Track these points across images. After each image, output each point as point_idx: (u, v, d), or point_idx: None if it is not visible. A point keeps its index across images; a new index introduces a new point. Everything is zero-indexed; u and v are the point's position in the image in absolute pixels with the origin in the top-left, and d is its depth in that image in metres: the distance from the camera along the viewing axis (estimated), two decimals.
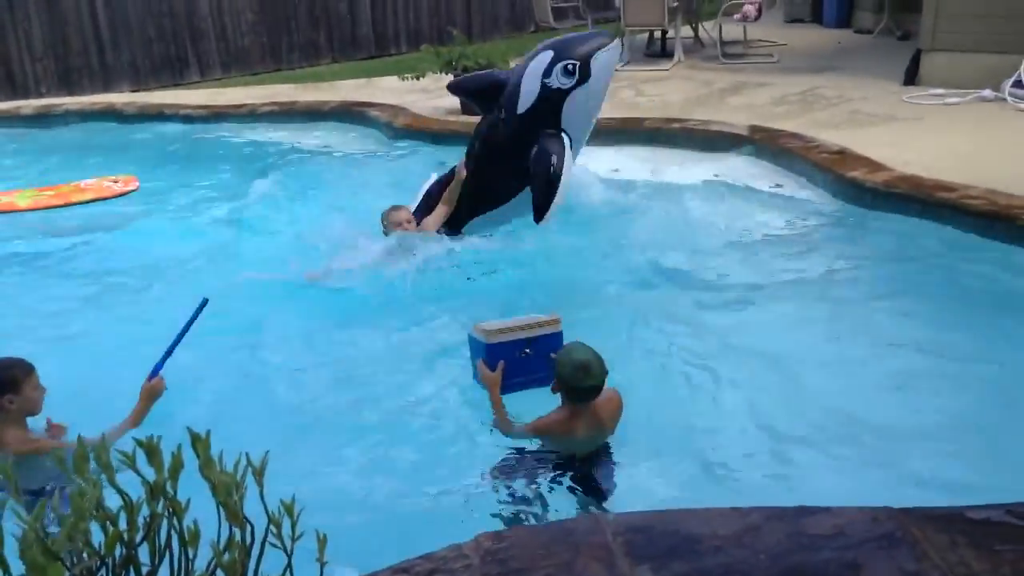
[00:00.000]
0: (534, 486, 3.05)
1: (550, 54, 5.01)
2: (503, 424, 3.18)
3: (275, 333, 4.21)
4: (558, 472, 3.10)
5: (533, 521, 2.90)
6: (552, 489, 3.04)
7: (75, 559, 1.24)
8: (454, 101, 8.29)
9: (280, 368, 3.88)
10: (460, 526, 2.71)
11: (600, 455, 3.17)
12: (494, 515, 2.93)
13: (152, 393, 3.17)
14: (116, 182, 6.88)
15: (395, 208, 5.08)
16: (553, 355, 3.13)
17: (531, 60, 5.10)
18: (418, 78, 8.21)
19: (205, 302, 3.28)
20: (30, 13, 10.06)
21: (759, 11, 10.27)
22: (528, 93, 4.97)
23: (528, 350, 3.30)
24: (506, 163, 5.03)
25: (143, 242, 5.59)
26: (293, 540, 1.37)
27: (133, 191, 6.75)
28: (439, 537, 2.48)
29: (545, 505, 2.98)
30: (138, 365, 3.25)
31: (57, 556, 1.19)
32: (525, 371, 3.29)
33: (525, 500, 3.00)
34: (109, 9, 10.52)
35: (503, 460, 3.19)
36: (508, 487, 3.05)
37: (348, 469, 3.15)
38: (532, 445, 3.22)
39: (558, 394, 3.12)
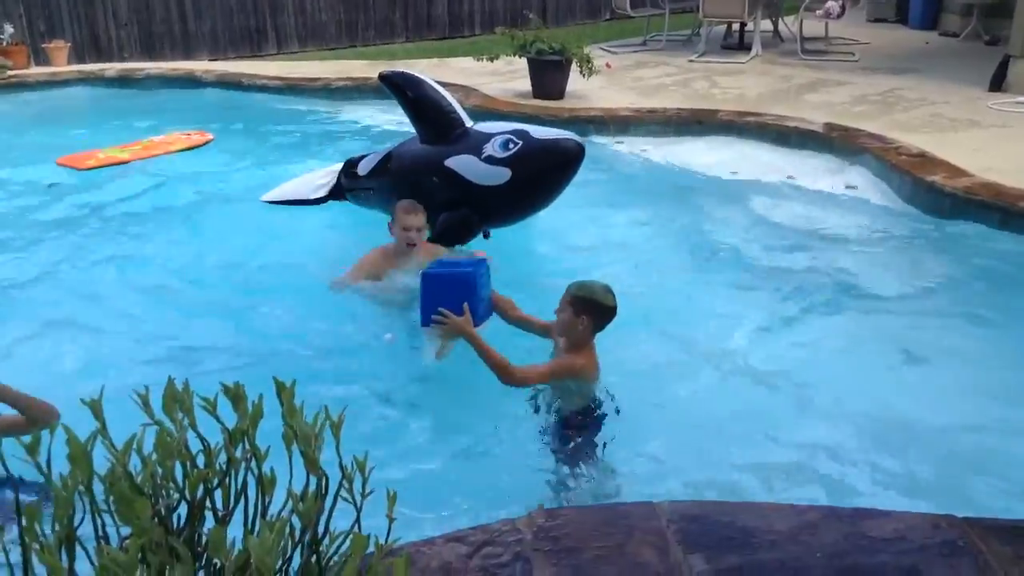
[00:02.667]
0: (588, 454, 3.06)
1: None
2: (506, 370, 3.10)
3: (334, 302, 4.28)
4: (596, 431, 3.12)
5: (589, 499, 2.91)
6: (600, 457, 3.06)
7: (159, 495, 1.29)
8: (525, 84, 8.30)
9: (348, 338, 3.95)
10: (518, 498, 2.74)
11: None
12: (552, 487, 2.95)
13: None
14: (190, 135, 7.25)
15: (411, 210, 4.17)
16: (574, 288, 3.17)
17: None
18: (491, 60, 8.23)
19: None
20: None
21: (843, 8, 10.04)
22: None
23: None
24: None
25: (214, 190, 6.00)
26: (364, 496, 1.40)
27: (210, 141, 7.16)
28: (497, 508, 2.52)
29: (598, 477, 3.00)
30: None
31: (142, 491, 1.24)
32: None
33: (580, 474, 3.01)
34: None
35: (557, 429, 3.18)
36: (565, 458, 3.07)
37: (408, 438, 3.20)
38: (553, 403, 3.21)
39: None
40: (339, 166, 5.30)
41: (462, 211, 4.48)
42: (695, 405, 3.47)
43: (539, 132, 4.48)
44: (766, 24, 10.84)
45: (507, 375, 3.10)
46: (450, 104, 4.69)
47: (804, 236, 5.19)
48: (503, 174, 4.30)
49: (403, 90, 4.75)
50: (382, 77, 4.89)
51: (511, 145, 4.32)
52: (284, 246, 5.04)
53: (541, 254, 5.06)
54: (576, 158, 4.32)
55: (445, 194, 4.47)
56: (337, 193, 5.26)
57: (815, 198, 5.80)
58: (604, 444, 3.12)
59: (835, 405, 3.46)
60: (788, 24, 10.92)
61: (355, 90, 8.54)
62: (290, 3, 11.43)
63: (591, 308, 3.15)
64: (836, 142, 6.51)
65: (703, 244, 5.11)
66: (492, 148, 4.35)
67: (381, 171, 4.91)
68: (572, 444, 3.10)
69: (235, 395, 1.33)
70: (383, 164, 4.92)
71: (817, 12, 10.14)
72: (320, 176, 5.43)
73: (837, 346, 3.95)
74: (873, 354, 3.87)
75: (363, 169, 5.05)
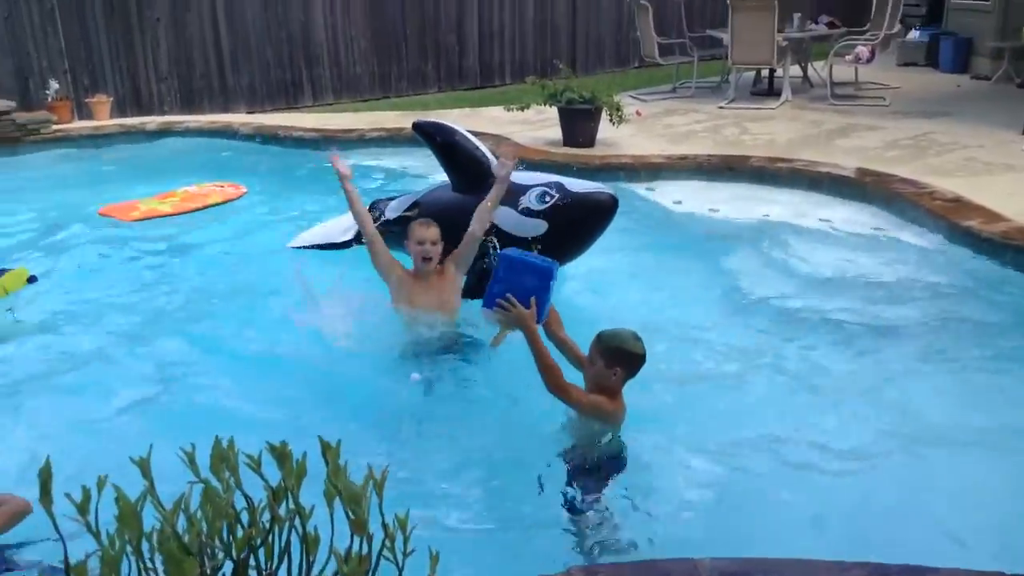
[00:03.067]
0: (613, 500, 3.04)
1: None
2: (557, 375, 3.08)
3: (370, 353, 4.31)
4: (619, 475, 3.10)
5: (621, 552, 2.87)
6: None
7: (206, 555, 1.30)
8: (555, 132, 8.39)
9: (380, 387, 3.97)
10: (552, 552, 2.72)
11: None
12: (586, 542, 2.92)
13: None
14: (224, 187, 7.39)
15: (425, 223, 4.26)
16: (605, 339, 3.18)
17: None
18: (522, 109, 8.33)
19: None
20: (159, 35, 10.63)
21: (872, 53, 10.09)
22: None
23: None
24: None
25: (249, 242, 6.13)
26: (405, 555, 1.40)
27: (244, 194, 7.30)
28: (532, 563, 2.50)
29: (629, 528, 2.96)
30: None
31: (190, 551, 1.25)
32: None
33: (611, 524, 2.98)
34: (232, 34, 11.04)
35: (581, 478, 3.14)
36: (594, 508, 3.04)
37: (443, 494, 3.18)
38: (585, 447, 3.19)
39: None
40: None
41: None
42: (729, 454, 3.43)
43: (574, 184, 4.60)
44: (795, 70, 10.89)
45: (555, 379, 3.07)
46: (484, 154, 4.77)
47: (837, 282, 5.15)
48: (540, 226, 4.44)
49: (437, 139, 4.86)
50: (416, 127, 5.01)
51: (547, 198, 4.45)
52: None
53: (571, 299, 5.06)
54: (610, 210, 4.46)
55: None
56: (361, 236, 5.33)
57: (848, 243, 5.77)
58: (632, 493, 3.10)
59: (877, 454, 3.41)
60: (818, 69, 10.96)
61: (389, 140, 8.68)
62: (325, 56, 11.68)
63: (623, 359, 3.15)
64: (869, 187, 6.49)
65: (735, 289, 5.10)
66: (528, 200, 4.49)
67: (409, 217, 4.91)
68: (595, 492, 3.07)
69: (281, 454, 1.34)
70: (412, 209, 4.99)
71: (847, 57, 10.19)
72: (345, 220, 5.50)
73: (874, 393, 3.89)
74: (912, 403, 3.81)
75: (391, 213, 5.12)
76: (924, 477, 3.27)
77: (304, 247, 5.55)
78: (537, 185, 4.56)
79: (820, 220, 6.20)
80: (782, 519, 3.04)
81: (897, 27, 10.56)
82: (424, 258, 4.15)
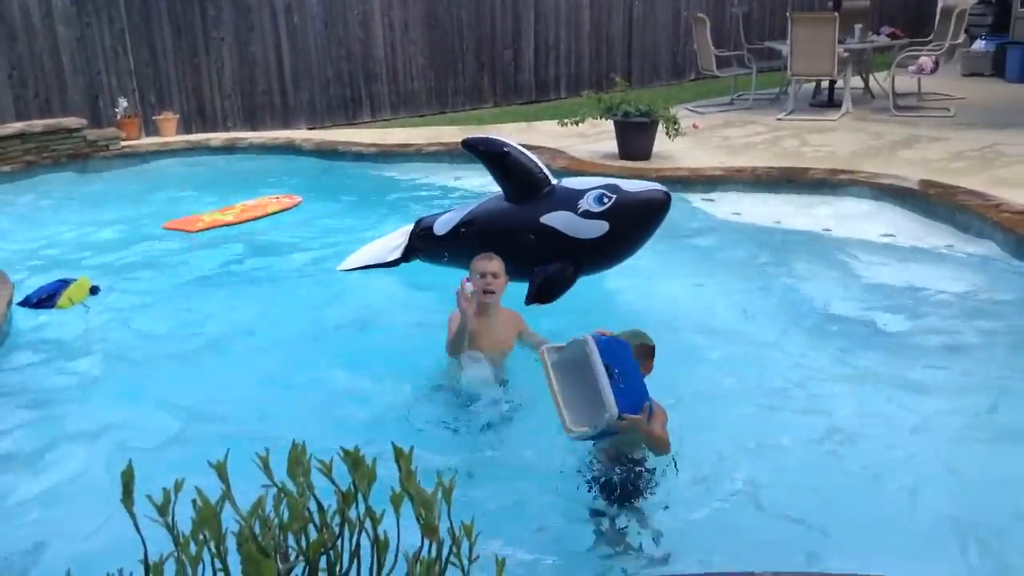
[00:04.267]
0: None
1: None
2: (666, 442, 3.09)
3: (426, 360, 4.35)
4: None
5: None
6: None
7: (282, 556, 1.34)
8: (611, 146, 8.39)
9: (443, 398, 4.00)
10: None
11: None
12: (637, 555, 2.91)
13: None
14: (279, 199, 7.58)
15: (487, 256, 4.13)
16: (646, 339, 3.26)
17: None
18: (577, 123, 8.35)
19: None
20: (223, 55, 10.92)
21: (936, 64, 9.89)
22: None
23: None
24: None
25: (304, 250, 6.29)
26: (471, 561, 1.43)
27: (299, 204, 7.48)
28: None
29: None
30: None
31: (268, 552, 1.29)
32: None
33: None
34: (293, 53, 11.28)
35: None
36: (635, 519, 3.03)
37: (503, 507, 3.19)
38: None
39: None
40: (409, 227, 5.47)
41: (561, 265, 4.65)
42: (784, 470, 3.39)
43: (627, 184, 4.75)
44: (856, 81, 10.73)
45: (666, 446, 3.10)
46: (536, 164, 4.88)
47: (901, 296, 5.05)
48: (601, 227, 4.55)
49: (487, 153, 4.97)
50: (465, 144, 5.11)
51: (605, 199, 4.57)
52: (376, 306, 5.18)
53: (628, 310, 5.06)
54: (665, 207, 4.61)
55: (540, 251, 4.65)
56: (408, 254, 5.43)
57: (912, 256, 5.66)
58: (686, 505, 3.08)
59: (933, 479, 3.31)
60: (879, 80, 10.79)
61: (446, 154, 8.77)
62: (383, 73, 11.87)
63: (650, 351, 3.30)
64: (933, 199, 6.36)
65: (794, 302, 5.03)
66: (587, 203, 4.60)
67: (464, 231, 5.06)
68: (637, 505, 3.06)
69: (354, 459, 1.37)
70: (466, 224, 5.07)
71: (910, 68, 10.01)
72: (393, 239, 5.59)
73: (933, 413, 3.77)
74: (974, 424, 3.69)
75: (440, 229, 5.20)
76: (976, 505, 3.13)
77: (354, 268, 5.63)
78: (593, 188, 4.66)
79: (882, 233, 6.09)
80: (845, 532, 2.98)
81: (962, 37, 10.34)
82: (486, 291, 4.02)
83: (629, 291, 5.24)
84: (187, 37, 10.67)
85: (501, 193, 5.08)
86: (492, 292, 4.05)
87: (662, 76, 13.77)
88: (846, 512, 3.10)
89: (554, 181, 4.89)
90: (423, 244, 5.35)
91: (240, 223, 7.04)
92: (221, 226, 6.96)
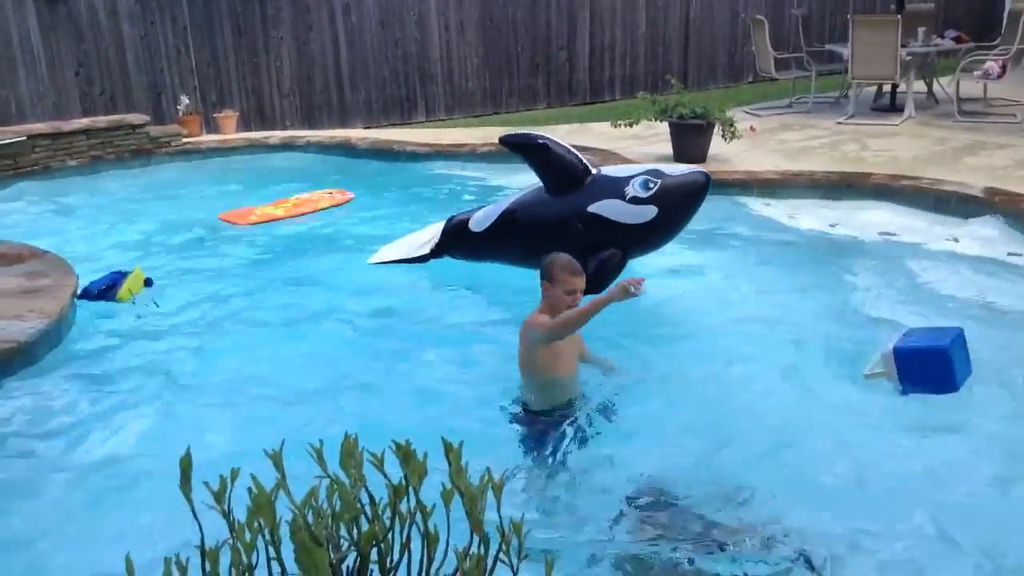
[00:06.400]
0: None
1: None
2: None
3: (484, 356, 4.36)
4: None
5: None
6: None
7: (333, 547, 1.35)
8: (665, 147, 8.32)
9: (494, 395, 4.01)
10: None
11: None
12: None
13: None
14: (332, 194, 7.69)
15: (578, 271, 3.73)
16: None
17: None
18: (631, 125, 8.30)
19: None
20: (282, 55, 11.10)
21: (1003, 68, 9.61)
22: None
23: None
24: None
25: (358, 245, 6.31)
26: (520, 558, 1.42)
27: (351, 200, 7.59)
28: None
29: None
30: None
31: (320, 542, 1.30)
32: None
33: None
34: (351, 53, 11.42)
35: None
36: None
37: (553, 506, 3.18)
38: None
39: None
40: (439, 225, 5.56)
41: (612, 251, 4.74)
42: (843, 472, 3.32)
43: (668, 169, 4.93)
44: (919, 85, 10.49)
45: None
46: (576, 155, 5.00)
47: (965, 305, 4.90)
48: (650, 211, 4.70)
49: (527, 147, 5.10)
50: (503, 141, 5.28)
51: (651, 184, 4.72)
52: (426, 299, 5.22)
53: (684, 314, 5.01)
54: (706, 188, 4.80)
55: (587, 238, 4.72)
56: (439, 250, 5.51)
57: (976, 265, 5.50)
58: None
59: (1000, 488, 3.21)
60: (943, 85, 10.53)
61: (499, 155, 8.77)
62: (438, 74, 11.95)
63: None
64: (999, 207, 6.18)
65: (852, 309, 4.92)
66: (634, 189, 4.74)
67: (505, 226, 5.15)
68: None
69: (406, 453, 1.38)
70: (506, 219, 5.14)
71: (975, 72, 9.73)
72: (422, 235, 5.68)
73: (995, 433, 3.65)
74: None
75: (478, 225, 5.27)
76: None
77: (384, 262, 5.71)
78: (637, 175, 4.79)
79: (945, 240, 5.94)
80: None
81: None
82: (571, 308, 3.65)
83: (685, 296, 5.19)
84: (247, 36, 10.87)
85: (537, 187, 5.17)
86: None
87: (719, 78, 13.62)
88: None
89: (594, 171, 5.01)
90: (457, 241, 5.44)
91: (291, 217, 7.15)
92: (273, 220, 7.08)
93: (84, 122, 9.13)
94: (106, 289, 5.36)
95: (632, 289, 3.40)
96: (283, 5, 10.99)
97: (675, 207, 4.75)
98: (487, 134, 9.84)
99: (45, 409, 3.97)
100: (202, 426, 3.70)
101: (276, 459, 1.42)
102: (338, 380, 4.19)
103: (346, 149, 9.55)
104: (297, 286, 5.60)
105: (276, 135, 10.25)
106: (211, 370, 4.38)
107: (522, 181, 7.93)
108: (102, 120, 9.20)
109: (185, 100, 10.12)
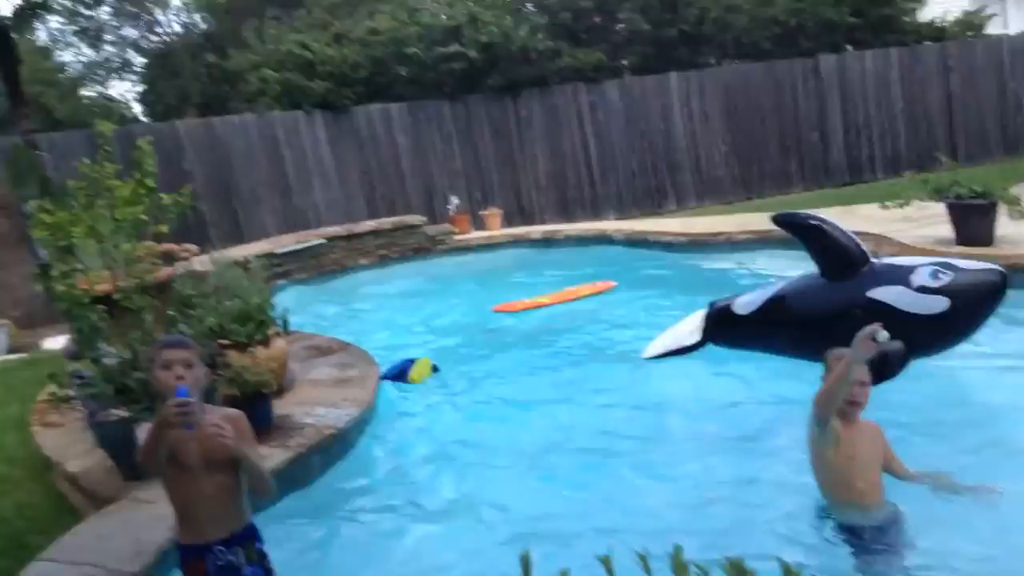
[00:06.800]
0: None
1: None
2: None
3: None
4: None
5: None
6: None
7: None
8: (941, 229, 7.86)
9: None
10: None
11: None
12: None
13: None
14: (595, 285, 8.01)
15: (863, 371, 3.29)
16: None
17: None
18: (902, 206, 7.95)
19: None
20: (536, 152, 11.78)
21: None
22: None
23: None
24: None
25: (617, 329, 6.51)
26: None
27: (612, 288, 7.86)
28: None
29: None
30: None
31: None
32: None
33: None
34: (600, 147, 11.91)
35: None
36: None
37: None
38: None
39: None
40: (701, 312, 5.47)
41: (897, 343, 4.34)
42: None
43: (961, 262, 4.54)
44: None
45: None
46: (853, 238, 4.76)
47: None
48: (940, 303, 4.33)
49: (802, 228, 4.91)
50: (777, 220, 5.09)
51: (941, 275, 4.38)
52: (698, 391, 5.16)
53: (988, 414, 4.64)
54: (1005, 287, 4.39)
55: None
56: (704, 338, 5.40)
57: None
58: None
59: None
60: None
61: (758, 242, 8.71)
62: (687, 162, 12.13)
63: None
64: None
65: None
66: (922, 278, 4.41)
67: (774, 311, 5.00)
68: None
69: (739, 570, 1.37)
70: (775, 303, 5.01)
71: None
72: (687, 324, 5.57)
73: None
74: None
75: (743, 309, 5.15)
76: None
77: (658, 356, 5.61)
78: (924, 264, 4.49)
79: None
80: None
81: None
82: (854, 402, 3.24)
83: (982, 388, 4.83)
84: (504, 138, 11.67)
85: (808, 273, 4.98)
86: (860, 405, 3.28)
87: (992, 151, 12.75)
88: None
89: (872, 259, 4.75)
90: (722, 327, 5.31)
91: (557, 303, 7.49)
92: (540, 306, 7.45)
93: (371, 224, 10.15)
94: (399, 374, 5.87)
95: (877, 337, 2.97)
96: (534, 107, 11.71)
97: (971, 303, 4.34)
98: (742, 221, 9.80)
99: (361, 490, 4.28)
100: (509, 515, 3.79)
101: (606, 563, 1.47)
102: (649, 478, 4.05)
103: (603, 240, 9.89)
104: (574, 366, 5.80)
105: (537, 229, 10.81)
106: (508, 460, 4.45)
107: (782, 267, 7.82)
108: (387, 222, 10.19)
109: (455, 200, 10.96)
